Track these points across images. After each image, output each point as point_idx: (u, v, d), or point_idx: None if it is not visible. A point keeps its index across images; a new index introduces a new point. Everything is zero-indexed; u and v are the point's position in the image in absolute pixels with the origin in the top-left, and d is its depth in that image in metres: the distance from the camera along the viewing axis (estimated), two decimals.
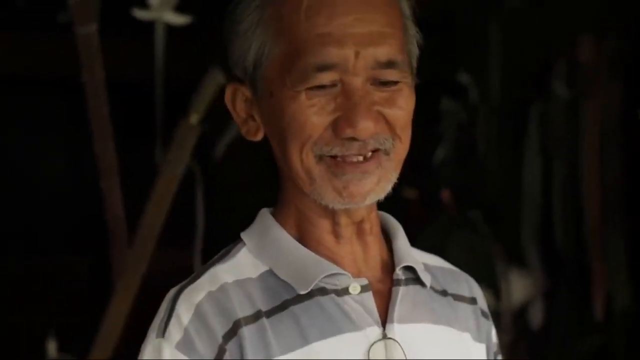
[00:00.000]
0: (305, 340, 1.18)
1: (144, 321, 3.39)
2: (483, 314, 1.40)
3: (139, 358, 1.21)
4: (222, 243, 1.31)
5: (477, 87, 4.07)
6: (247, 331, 1.18)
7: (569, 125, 3.89)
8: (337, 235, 1.25)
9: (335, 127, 1.16)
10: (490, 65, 4.08)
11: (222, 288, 1.21)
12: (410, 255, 1.30)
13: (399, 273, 1.27)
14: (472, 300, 1.39)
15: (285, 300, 1.21)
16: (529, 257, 3.89)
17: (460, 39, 4.20)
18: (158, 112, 3.37)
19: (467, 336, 1.34)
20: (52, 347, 3.65)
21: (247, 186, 4.17)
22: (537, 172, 3.93)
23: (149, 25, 3.31)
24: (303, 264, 1.22)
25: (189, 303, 1.20)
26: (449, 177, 4.04)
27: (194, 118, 3.00)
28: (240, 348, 1.17)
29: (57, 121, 4.95)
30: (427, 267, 1.33)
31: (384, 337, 1.22)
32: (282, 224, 1.27)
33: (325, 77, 1.15)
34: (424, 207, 4.16)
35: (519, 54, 4.03)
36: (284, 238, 1.25)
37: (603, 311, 3.68)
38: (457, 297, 1.36)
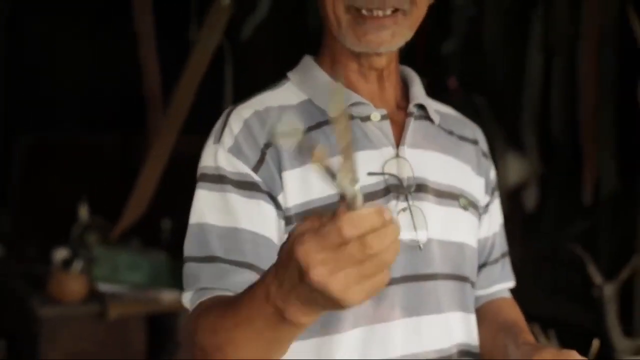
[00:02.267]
0: (332, 153, 1.44)
1: (170, 196, 3.59)
2: (484, 154, 1.65)
3: (200, 161, 1.46)
4: None
5: None
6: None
7: (570, 22, 3.96)
8: (362, 75, 1.50)
9: None
10: None
11: (267, 109, 1.46)
12: (424, 98, 1.58)
13: (412, 109, 1.53)
14: (475, 142, 1.64)
15: (319, 122, 1.47)
16: (527, 142, 4.08)
17: None
18: None
19: (468, 168, 1.59)
20: (83, 211, 3.91)
21: (272, 64, 4.29)
22: (538, 64, 4.08)
23: None
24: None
25: (240, 117, 1.45)
26: (457, 66, 4.18)
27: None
28: (278, 155, 1.41)
29: None
30: (438, 111, 1.60)
31: (397, 156, 1.47)
32: (320, 65, 1.53)
33: None
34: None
35: None
36: (321, 75, 1.52)
37: (592, 196, 3.80)
38: (462, 138, 1.61)
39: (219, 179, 1.41)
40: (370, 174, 1.44)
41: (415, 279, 1.45)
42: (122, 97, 4.70)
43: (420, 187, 1.48)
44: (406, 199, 1.45)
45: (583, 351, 2.64)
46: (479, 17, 4.22)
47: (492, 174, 1.66)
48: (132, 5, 3.26)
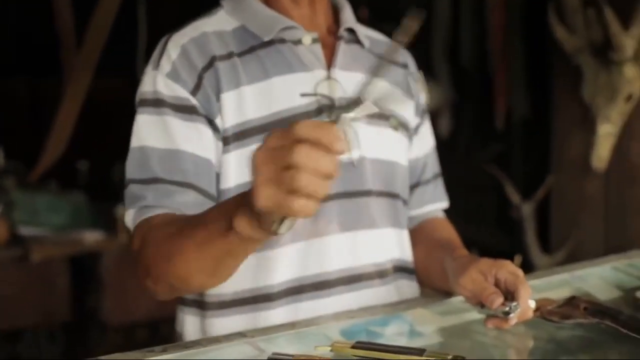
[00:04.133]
0: (266, 75, 1.46)
1: (86, 137, 3.56)
2: (412, 77, 1.70)
3: (139, 87, 1.48)
4: None
5: None
6: (221, 65, 1.46)
7: None
8: (295, 2, 1.54)
9: None
10: None
11: (203, 34, 1.49)
12: (354, 22, 1.61)
13: (343, 33, 1.56)
14: (404, 66, 1.69)
15: (252, 46, 1.50)
16: (439, 72, 4.15)
17: None
18: None
19: (399, 90, 1.63)
20: None
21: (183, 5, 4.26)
22: None
23: None
24: (267, 19, 1.51)
25: (177, 44, 1.47)
26: None
27: None
28: (216, 78, 1.45)
29: None
30: (368, 36, 1.63)
31: (328, 77, 1.51)
32: None
33: None
34: None
35: None
36: (254, 2, 1.55)
37: (504, 121, 3.91)
38: (392, 62, 1.62)
39: (157, 103, 1.44)
40: (303, 94, 1.48)
41: (350, 196, 1.49)
42: (30, 36, 4.62)
43: (349, 103, 1.45)
44: (339, 116, 1.49)
45: None
46: None
47: (422, 97, 1.71)
48: None
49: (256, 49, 1.50)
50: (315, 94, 1.49)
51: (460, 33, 4.16)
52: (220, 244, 1.16)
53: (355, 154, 1.50)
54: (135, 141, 1.45)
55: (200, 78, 1.45)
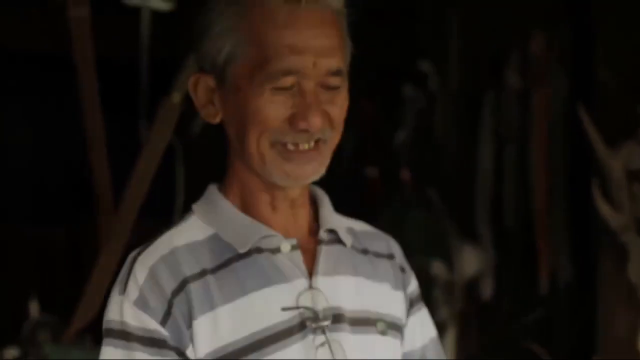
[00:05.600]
0: (243, 291, 1.37)
1: None
2: (401, 268, 1.58)
3: (106, 311, 1.38)
4: None
5: (436, 74, 4.23)
6: (193, 287, 1.36)
7: (520, 113, 4.04)
8: (273, 207, 1.44)
9: (292, 121, 1.35)
10: (450, 54, 4.26)
11: (173, 251, 1.39)
12: (334, 220, 1.49)
13: (323, 235, 1.46)
14: (390, 257, 1.56)
15: (228, 259, 1.39)
16: (481, 234, 4.09)
17: (422, 29, 4.33)
18: (143, 91, 3.49)
19: (386, 286, 1.53)
20: (34, 308, 3.78)
21: (219, 161, 4.28)
22: (489, 156, 4.11)
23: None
24: (243, 228, 1.41)
25: (144, 265, 1.37)
26: (408, 157, 4.20)
27: (176, 97, 3.16)
28: (187, 303, 1.35)
29: (44, 93, 4.95)
30: (350, 230, 1.53)
31: (310, 287, 1.41)
32: (227, 196, 1.45)
33: (288, 81, 1.35)
34: (384, 185, 4.32)
35: (476, 45, 4.21)
36: (228, 207, 1.44)
37: (547, 286, 3.84)
38: (377, 254, 1.55)
39: (124, 336, 1.36)
40: (284, 309, 1.39)
41: None
42: (69, 188, 4.65)
43: (337, 318, 1.43)
44: (323, 333, 1.41)
45: None
46: (429, 108, 4.24)
47: (412, 286, 1.59)
48: (81, 103, 3.23)
49: (232, 262, 1.40)
50: (297, 307, 1.40)
51: (503, 194, 4.11)
52: None
53: None
54: None
55: (170, 305, 1.36)
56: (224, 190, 1.47)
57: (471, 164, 4.13)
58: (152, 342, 1.34)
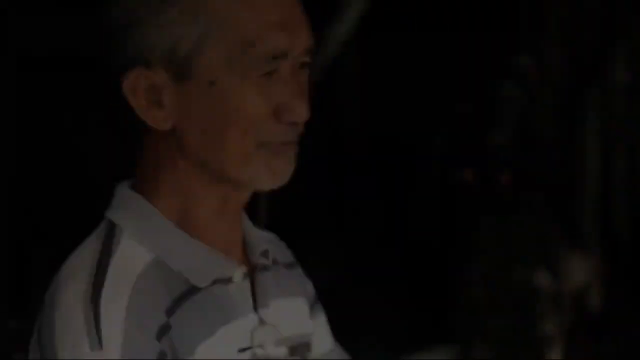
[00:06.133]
0: (210, 331, 1.18)
1: None
2: (300, 273, 1.42)
3: None
4: None
5: (537, 70, 4.06)
6: (172, 323, 1.14)
7: (629, 110, 3.88)
8: (220, 214, 1.23)
9: (278, 113, 1.16)
10: (551, 48, 4.08)
11: (138, 281, 1.15)
12: (256, 234, 1.31)
13: (260, 258, 1.28)
14: (295, 263, 1.41)
15: (184, 292, 1.18)
16: (589, 241, 3.89)
17: (521, 22, 4.20)
18: None
19: (303, 300, 1.38)
20: None
21: None
22: (596, 157, 3.93)
23: None
24: (197, 257, 1.20)
25: (117, 305, 1.13)
26: (509, 160, 4.03)
27: None
28: (171, 343, 1.14)
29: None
30: (266, 243, 1.34)
31: (261, 322, 1.24)
32: (156, 204, 1.23)
33: (279, 65, 1.15)
34: (482, 190, 4.15)
35: (579, 38, 4.03)
36: (166, 224, 1.22)
37: None
38: (289, 266, 1.39)
39: None
40: (241, 350, 1.20)
41: None
42: None
43: (291, 351, 1.29)
44: None
45: None
46: (529, 106, 4.07)
47: (312, 289, 1.43)
48: None
49: (190, 296, 1.18)
50: (251, 347, 1.21)
51: (612, 198, 3.91)
52: None
53: None
54: None
55: (160, 350, 1.12)
56: (148, 196, 1.22)
57: (577, 166, 3.95)
58: None
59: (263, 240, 1.30)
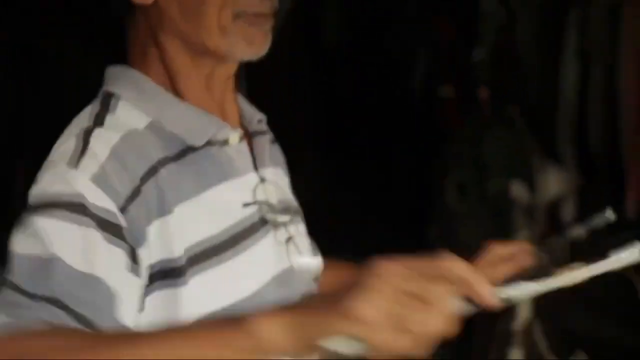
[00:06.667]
0: (208, 184, 1.27)
1: None
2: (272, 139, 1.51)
3: (41, 185, 1.18)
4: None
5: None
6: (164, 173, 1.22)
7: (609, 30, 3.85)
8: (208, 88, 1.32)
9: None
10: None
11: (134, 131, 1.24)
12: (250, 108, 1.42)
13: (255, 124, 1.40)
14: (268, 132, 1.48)
15: (182, 150, 1.27)
16: (564, 154, 3.89)
17: None
18: None
19: (286, 174, 1.53)
20: None
21: None
22: (574, 75, 3.89)
23: None
24: (193, 119, 1.28)
25: (105, 144, 1.20)
26: (487, 75, 4.04)
27: None
28: (158, 189, 1.21)
29: None
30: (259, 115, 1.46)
31: (262, 180, 1.35)
32: (151, 78, 1.31)
33: None
34: (461, 105, 4.17)
35: None
36: (164, 93, 1.30)
37: (636, 209, 3.63)
38: (273, 141, 1.51)
39: (79, 210, 1.14)
40: (246, 205, 1.31)
41: None
42: None
43: (286, 210, 1.40)
44: (285, 227, 1.37)
45: None
46: (509, 23, 4.06)
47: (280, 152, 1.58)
48: None
49: (187, 154, 1.27)
50: (256, 202, 1.32)
51: (588, 113, 3.91)
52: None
53: (296, 261, 1.38)
54: (40, 248, 1.11)
55: (136, 192, 1.19)
56: (142, 72, 1.32)
57: (555, 82, 3.90)
58: (108, 225, 1.15)
59: (257, 113, 1.42)
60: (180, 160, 1.26)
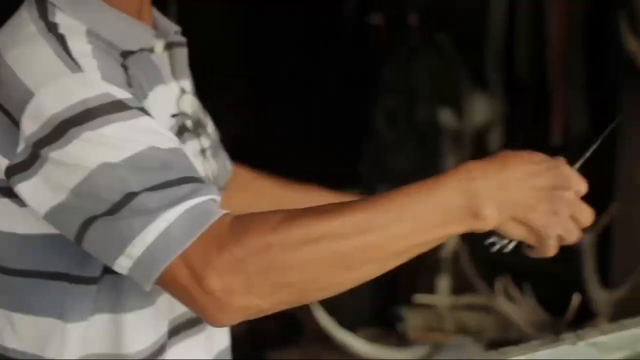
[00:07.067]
0: (150, 86, 1.27)
1: None
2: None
3: (69, 102, 1.11)
4: None
5: None
6: (131, 61, 1.24)
7: None
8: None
9: None
10: None
11: (89, 31, 1.22)
12: (168, 22, 1.40)
13: (174, 36, 1.38)
14: (185, 44, 1.47)
15: (122, 53, 1.24)
16: (492, 81, 3.92)
17: None
18: None
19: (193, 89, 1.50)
20: None
21: None
22: (503, 1, 3.90)
23: None
24: (127, 26, 1.26)
25: (77, 33, 1.19)
26: (417, 2, 4.03)
27: None
28: (135, 73, 1.23)
29: None
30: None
31: (183, 91, 1.36)
32: None
33: None
34: (391, 32, 4.16)
35: None
36: (97, 1, 1.26)
37: (561, 136, 3.67)
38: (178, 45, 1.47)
39: (121, 106, 1.12)
40: (174, 115, 1.31)
41: None
42: None
43: (199, 122, 1.41)
44: (199, 139, 1.38)
45: (561, 305, 2.51)
46: None
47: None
48: None
49: (127, 56, 1.25)
50: (182, 114, 1.33)
51: (515, 41, 3.92)
52: (445, 228, 1.09)
53: (209, 171, 1.40)
54: (126, 148, 1.09)
55: (126, 73, 1.21)
56: None
57: (484, 10, 3.90)
58: (143, 110, 1.15)
59: (174, 25, 1.40)
60: (126, 60, 1.24)
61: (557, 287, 2.77)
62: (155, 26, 1.36)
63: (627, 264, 3.08)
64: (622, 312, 1.83)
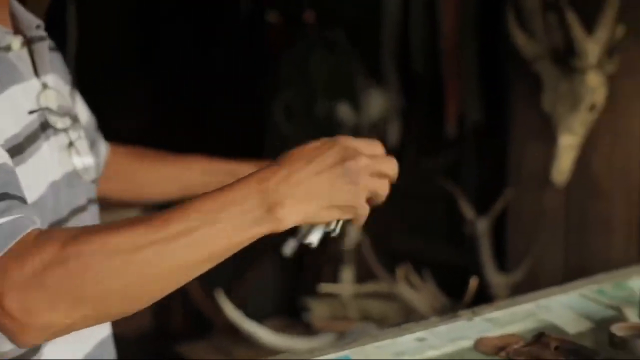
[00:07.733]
0: (3, 86, 1.25)
1: None
2: (61, 57, 1.58)
3: None
4: None
5: None
6: None
7: None
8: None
9: None
10: None
11: None
12: (29, 15, 1.40)
13: (35, 29, 1.38)
14: (57, 49, 1.56)
15: None
16: (387, 76, 3.96)
17: None
18: None
19: (67, 81, 1.52)
20: None
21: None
22: None
23: None
24: None
25: None
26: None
27: None
28: None
29: None
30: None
31: (45, 87, 1.36)
32: None
33: None
34: (287, 30, 4.18)
35: None
36: None
37: (455, 128, 3.75)
38: (53, 49, 1.52)
39: None
40: (31, 112, 1.30)
41: (83, 210, 1.44)
42: None
43: (67, 116, 1.42)
44: (66, 132, 1.39)
45: (460, 289, 2.59)
46: None
47: (70, 76, 1.60)
48: None
49: None
50: (42, 109, 1.33)
51: (410, 35, 3.98)
52: (240, 235, 1.09)
53: (79, 164, 1.43)
54: None
55: None
56: None
57: (378, 5, 3.95)
58: None
59: (35, 19, 1.39)
60: None
61: (456, 273, 2.86)
62: (13, 22, 1.37)
63: (521, 247, 3.19)
64: (517, 295, 1.91)
